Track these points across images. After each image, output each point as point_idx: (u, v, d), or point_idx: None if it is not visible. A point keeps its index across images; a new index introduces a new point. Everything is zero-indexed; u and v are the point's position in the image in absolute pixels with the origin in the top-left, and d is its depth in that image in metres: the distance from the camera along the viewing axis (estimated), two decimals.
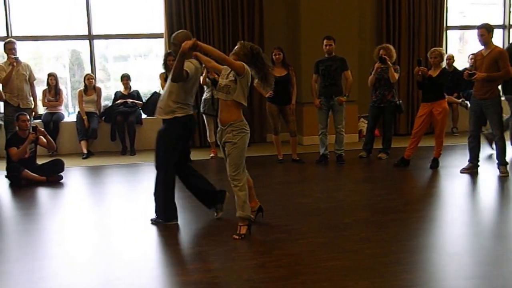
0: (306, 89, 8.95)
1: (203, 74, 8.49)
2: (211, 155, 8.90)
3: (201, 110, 8.77)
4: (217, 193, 5.56)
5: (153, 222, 5.40)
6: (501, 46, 10.39)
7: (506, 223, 5.32)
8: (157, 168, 5.35)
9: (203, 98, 8.75)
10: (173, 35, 5.23)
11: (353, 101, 9.44)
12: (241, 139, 4.86)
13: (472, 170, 7.17)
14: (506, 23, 11.32)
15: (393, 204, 5.85)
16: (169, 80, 5.15)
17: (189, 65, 5.03)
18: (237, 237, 4.83)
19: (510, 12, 11.29)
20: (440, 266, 4.16)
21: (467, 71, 7.04)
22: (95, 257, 4.64)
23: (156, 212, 5.41)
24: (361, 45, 9.99)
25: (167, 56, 8.38)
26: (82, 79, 9.81)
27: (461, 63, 10.66)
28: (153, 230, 5.27)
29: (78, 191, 7.32)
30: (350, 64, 8.19)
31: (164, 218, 5.36)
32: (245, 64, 4.81)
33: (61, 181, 7.49)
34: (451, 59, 10.06)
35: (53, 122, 9.48)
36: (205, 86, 8.64)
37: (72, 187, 7.36)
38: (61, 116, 9.73)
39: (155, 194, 5.39)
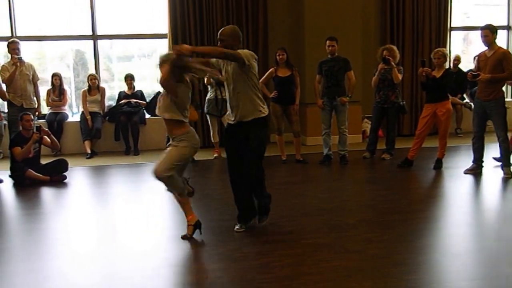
0: (309, 89, 8.95)
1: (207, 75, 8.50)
2: (214, 155, 8.91)
3: (205, 110, 8.77)
4: None
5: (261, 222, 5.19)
6: (505, 47, 10.38)
7: (509, 224, 5.30)
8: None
9: (207, 98, 8.75)
10: (221, 30, 4.97)
11: (357, 102, 9.45)
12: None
13: (476, 171, 7.16)
14: (511, 24, 11.30)
15: (396, 205, 5.85)
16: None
17: (247, 55, 4.76)
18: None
19: None
20: (443, 267, 4.15)
21: (471, 72, 7.03)
22: (99, 257, 4.65)
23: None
24: (365, 46, 9.99)
25: None
26: (86, 79, 9.84)
27: (465, 63, 10.64)
28: (156, 230, 5.28)
29: (81, 191, 7.33)
30: (353, 65, 8.19)
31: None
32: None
33: (65, 180, 7.50)
34: (458, 60, 10.04)
35: (57, 122, 9.51)
36: (209, 86, 8.66)
37: (75, 187, 7.37)
38: (65, 116, 9.76)
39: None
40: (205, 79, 8.62)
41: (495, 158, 7.49)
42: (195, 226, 4.91)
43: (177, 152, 4.84)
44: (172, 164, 4.80)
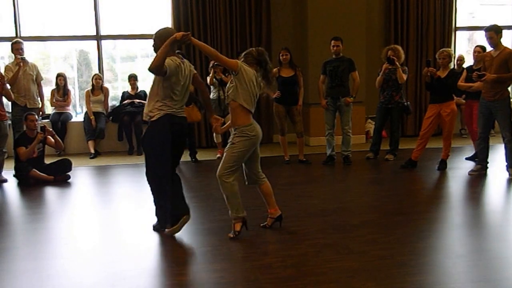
0: (313, 90, 8.94)
1: (210, 74, 8.53)
2: (217, 156, 8.91)
3: None
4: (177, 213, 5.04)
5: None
6: (510, 47, 10.33)
7: None
8: (150, 178, 5.13)
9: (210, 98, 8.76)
10: (156, 31, 4.92)
11: (361, 102, 9.43)
12: (239, 143, 4.83)
13: (480, 172, 7.13)
14: None
15: (400, 206, 5.83)
16: (151, 83, 4.92)
17: (169, 62, 4.69)
18: (231, 235, 4.86)
19: None
20: (447, 268, 4.13)
21: (476, 72, 7.01)
22: (102, 256, 4.65)
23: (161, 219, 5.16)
24: (369, 46, 9.97)
25: None
26: (90, 79, 9.85)
27: (470, 63, 10.59)
28: (159, 230, 5.27)
29: (85, 190, 7.34)
30: (357, 65, 8.18)
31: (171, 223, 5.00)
32: (239, 62, 4.79)
33: (69, 180, 7.51)
34: (461, 60, 10.02)
35: (61, 122, 9.52)
36: (212, 86, 8.66)
37: (79, 187, 7.38)
38: (69, 116, 9.77)
39: (158, 203, 5.12)
40: (208, 79, 8.62)
41: (467, 158, 7.56)
42: (276, 218, 5.11)
43: (229, 152, 4.89)
44: (227, 166, 4.85)
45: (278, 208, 5.15)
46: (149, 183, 5.17)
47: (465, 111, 8.29)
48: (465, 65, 10.13)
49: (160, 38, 4.81)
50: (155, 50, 4.82)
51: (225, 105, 8.62)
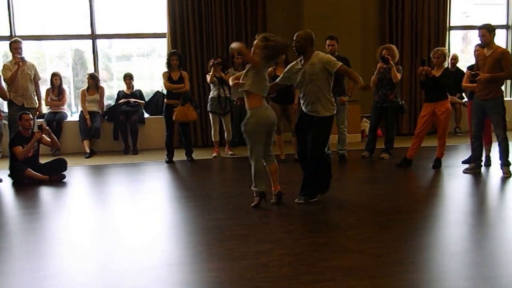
0: None
1: (211, 73, 8.56)
2: (213, 155, 8.91)
3: (208, 108, 8.83)
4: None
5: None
6: (504, 46, 10.38)
7: (508, 224, 5.31)
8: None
9: (210, 96, 8.82)
10: (298, 33, 5.79)
11: (356, 101, 9.43)
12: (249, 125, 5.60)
13: (474, 170, 7.16)
14: (510, 24, 11.30)
15: (395, 204, 5.85)
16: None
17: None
18: (252, 205, 5.72)
19: None
20: (442, 266, 4.15)
21: (469, 72, 7.03)
22: (97, 256, 4.64)
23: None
24: (364, 45, 9.98)
25: (170, 55, 8.41)
26: (85, 79, 9.82)
27: (464, 63, 10.63)
28: (155, 230, 5.28)
29: (80, 190, 7.33)
30: (352, 64, 8.16)
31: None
32: (261, 62, 5.50)
33: (64, 180, 7.50)
34: (455, 59, 10.04)
35: (56, 121, 9.50)
36: (211, 85, 8.70)
37: (74, 186, 7.37)
38: (64, 116, 9.75)
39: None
40: (208, 78, 8.66)
41: (464, 162, 7.58)
42: (276, 194, 5.83)
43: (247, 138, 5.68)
44: (249, 148, 5.69)
45: (279, 187, 5.87)
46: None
47: (468, 111, 8.25)
48: (458, 65, 10.20)
49: (305, 39, 5.74)
50: (299, 50, 5.75)
51: (225, 103, 8.69)
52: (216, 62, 8.61)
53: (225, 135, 8.97)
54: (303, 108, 5.81)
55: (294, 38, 5.69)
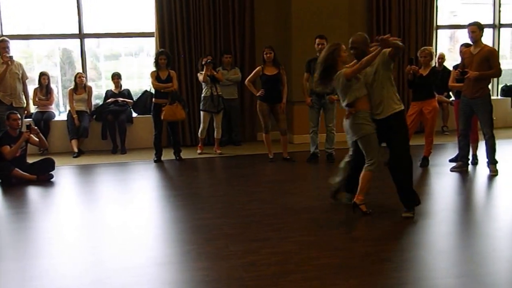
0: (296, 88, 8.95)
1: (203, 72, 8.61)
2: (198, 151, 9.00)
3: (201, 107, 8.86)
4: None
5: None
6: (491, 45, 10.46)
7: (495, 222, 5.35)
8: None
9: (202, 95, 8.85)
10: (354, 38, 5.57)
11: None
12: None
13: (462, 169, 7.20)
14: (496, 23, 11.38)
15: (383, 203, 5.87)
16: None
17: None
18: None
19: (500, 11, 11.35)
20: (430, 264, 4.18)
21: (459, 69, 7.07)
22: (87, 255, 4.62)
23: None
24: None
25: (158, 55, 8.39)
26: (73, 78, 9.77)
27: (452, 62, 10.69)
28: (143, 229, 5.27)
29: (68, 189, 7.29)
30: None
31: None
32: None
33: (52, 180, 7.45)
34: (442, 58, 10.10)
35: (43, 121, 9.44)
36: (203, 84, 8.74)
37: (62, 186, 7.33)
38: (51, 115, 9.69)
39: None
40: (201, 77, 8.69)
41: (451, 160, 7.63)
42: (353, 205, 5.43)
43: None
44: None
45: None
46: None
47: (455, 110, 8.31)
48: (446, 63, 10.25)
49: (364, 43, 5.56)
50: (359, 56, 5.44)
51: (218, 101, 8.72)
52: (208, 61, 8.63)
53: (215, 133, 8.98)
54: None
55: (351, 45, 5.53)
